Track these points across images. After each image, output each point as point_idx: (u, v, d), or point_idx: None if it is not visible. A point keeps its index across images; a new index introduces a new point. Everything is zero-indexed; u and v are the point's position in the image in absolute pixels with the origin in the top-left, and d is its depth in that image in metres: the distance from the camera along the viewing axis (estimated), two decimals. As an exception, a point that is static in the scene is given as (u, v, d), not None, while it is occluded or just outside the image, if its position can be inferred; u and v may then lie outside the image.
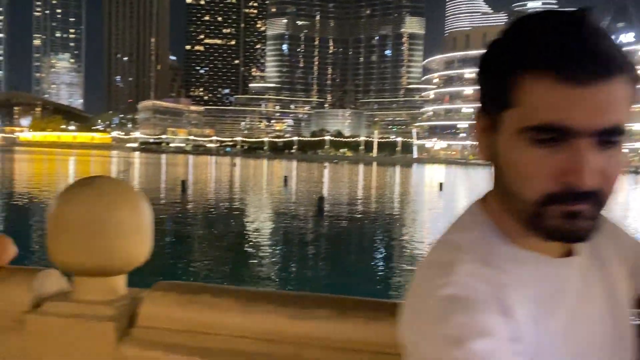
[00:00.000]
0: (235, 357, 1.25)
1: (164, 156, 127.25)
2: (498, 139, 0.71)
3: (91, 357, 1.35)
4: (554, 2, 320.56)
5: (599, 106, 0.63)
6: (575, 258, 0.75)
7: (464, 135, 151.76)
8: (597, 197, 0.66)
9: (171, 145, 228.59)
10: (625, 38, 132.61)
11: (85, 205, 1.29)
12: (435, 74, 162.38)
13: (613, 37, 0.65)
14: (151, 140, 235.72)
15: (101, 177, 1.31)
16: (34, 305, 1.43)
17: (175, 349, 1.28)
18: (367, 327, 1.14)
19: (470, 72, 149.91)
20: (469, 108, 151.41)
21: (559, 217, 0.66)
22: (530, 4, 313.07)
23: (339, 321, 1.18)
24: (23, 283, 1.45)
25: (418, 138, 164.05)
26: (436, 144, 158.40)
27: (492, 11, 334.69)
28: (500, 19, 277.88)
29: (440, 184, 41.47)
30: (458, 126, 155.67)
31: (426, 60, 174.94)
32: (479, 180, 59.28)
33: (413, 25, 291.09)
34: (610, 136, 0.65)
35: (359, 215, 24.23)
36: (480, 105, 0.74)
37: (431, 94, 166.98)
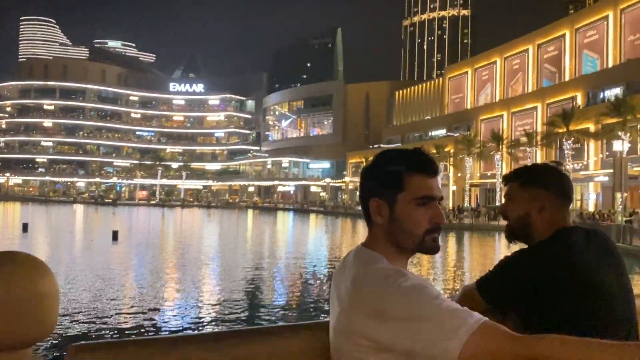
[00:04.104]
0: None
1: None
2: (395, 209, 1.37)
3: None
4: (133, 45, 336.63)
5: (438, 186, 1.39)
6: (409, 270, 1.44)
7: (43, 170, 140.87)
8: (440, 229, 1.39)
9: None
10: (197, 88, 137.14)
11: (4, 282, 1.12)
12: (8, 102, 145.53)
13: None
14: None
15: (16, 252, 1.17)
16: None
17: None
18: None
19: (49, 104, 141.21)
20: (48, 141, 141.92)
21: (431, 241, 1.37)
22: (110, 43, 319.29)
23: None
24: None
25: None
26: (10, 180, 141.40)
27: (71, 44, 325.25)
28: (81, 53, 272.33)
29: (25, 225, 37.78)
30: (37, 160, 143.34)
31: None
32: (64, 218, 56.53)
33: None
34: (440, 200, 1.40)
35: None
36: (371, 194, 1.40)
37: (3, 124, 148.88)
